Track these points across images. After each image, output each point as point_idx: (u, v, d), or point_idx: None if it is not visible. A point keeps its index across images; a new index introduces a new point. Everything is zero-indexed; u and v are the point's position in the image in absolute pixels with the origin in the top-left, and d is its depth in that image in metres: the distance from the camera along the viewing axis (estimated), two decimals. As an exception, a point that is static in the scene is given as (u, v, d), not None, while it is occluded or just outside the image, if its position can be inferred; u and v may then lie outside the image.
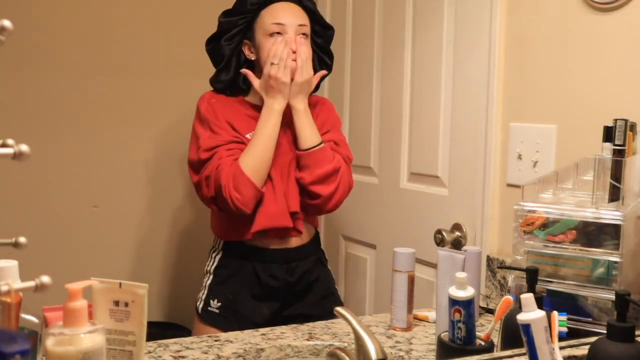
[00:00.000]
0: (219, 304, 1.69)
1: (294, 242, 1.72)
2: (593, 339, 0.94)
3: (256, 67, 1.72)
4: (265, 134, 1.62)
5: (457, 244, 1.70)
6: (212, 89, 1.74)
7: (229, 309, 1.68)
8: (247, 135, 1.66)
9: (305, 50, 1.65)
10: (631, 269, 1.15)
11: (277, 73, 1.61)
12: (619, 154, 1.16)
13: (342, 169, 1.68)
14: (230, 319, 1.66)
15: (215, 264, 1.74)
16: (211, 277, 1.73)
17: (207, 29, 1.72)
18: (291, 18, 1.65)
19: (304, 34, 1.67)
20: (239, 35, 1.69)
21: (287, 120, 1.68)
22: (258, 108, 1.68)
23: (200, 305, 1.71)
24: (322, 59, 1.78)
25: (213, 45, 1.72)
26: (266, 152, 1.61)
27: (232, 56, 1.70)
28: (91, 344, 0.76)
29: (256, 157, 1.60)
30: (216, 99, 1.71)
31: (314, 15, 1.73)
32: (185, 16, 2.38)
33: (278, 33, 1.64)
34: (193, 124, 1.71)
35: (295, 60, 1.63)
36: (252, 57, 1.71)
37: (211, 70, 1.73)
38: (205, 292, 1.72)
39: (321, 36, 1.76)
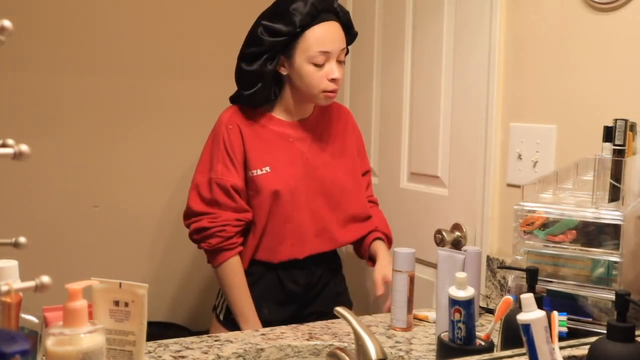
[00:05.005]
0: None
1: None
2: (593, 339, 0.95)
3: (285, 81, 1.65)
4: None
5: (457, 244, 1.70)
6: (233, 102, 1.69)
7: None
8: (261, 170, 1.62)
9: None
10: (631, 269, 1.15)
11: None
12: (619, 154, 1.16)
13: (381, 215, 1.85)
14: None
15: None
16: None
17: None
18: (336, 43, 1.58)
19: (341, 61, 1.62)
20: (279, 53, 1.59)
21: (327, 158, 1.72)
22: (285, 123, 1.67)
23: (222, 313, 1.70)
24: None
25: (251, 64, 1.59)
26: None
27: (270, 74, 1.61)
28: (91, 344, 0.76)
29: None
30: (238, 119, 1.64)
31: (349, 30, 1.66)
32: (191, 16, 2.37)
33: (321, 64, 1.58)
34: (208, 138, 1.68)
35: (335, 90, 1.61)
36: (285, 72, 1.62)
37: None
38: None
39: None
